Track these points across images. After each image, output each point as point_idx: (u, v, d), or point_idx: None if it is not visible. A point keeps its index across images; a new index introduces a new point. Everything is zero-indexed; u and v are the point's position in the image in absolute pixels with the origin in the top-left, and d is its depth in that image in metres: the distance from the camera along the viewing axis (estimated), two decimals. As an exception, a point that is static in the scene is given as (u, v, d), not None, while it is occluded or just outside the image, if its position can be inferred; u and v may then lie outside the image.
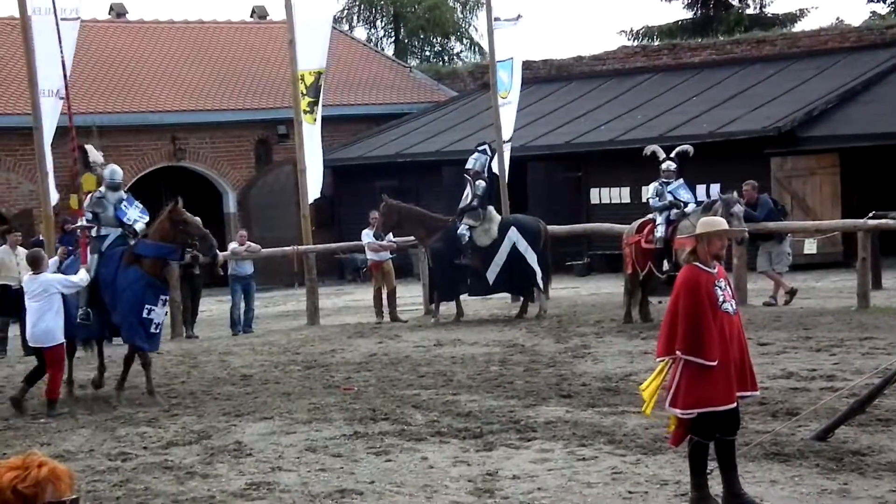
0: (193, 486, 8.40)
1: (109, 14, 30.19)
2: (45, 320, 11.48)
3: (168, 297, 12.45)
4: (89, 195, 12.49)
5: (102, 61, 26.76)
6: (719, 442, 7.21)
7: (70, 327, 11.79)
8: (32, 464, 3.20)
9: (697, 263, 7.26)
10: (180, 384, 12.84)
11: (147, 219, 12.35)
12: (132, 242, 12.08)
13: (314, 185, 19.19)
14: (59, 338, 11.53)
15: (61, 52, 13.96)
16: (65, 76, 13.88)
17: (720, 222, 7.72)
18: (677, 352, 7.10)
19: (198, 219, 12.43)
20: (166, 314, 12.42)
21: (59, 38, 14.01)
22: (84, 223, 12.28)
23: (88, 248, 12.09)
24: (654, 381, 7.37)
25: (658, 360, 7.38)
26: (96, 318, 12.03)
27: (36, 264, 11.78)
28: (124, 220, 12.11)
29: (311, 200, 19.13)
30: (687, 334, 7.08)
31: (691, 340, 7.05)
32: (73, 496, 3.24)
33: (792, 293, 16.78)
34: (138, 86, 27.18)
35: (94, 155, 12.85)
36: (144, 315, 11.70)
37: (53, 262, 12.28)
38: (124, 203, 12.20)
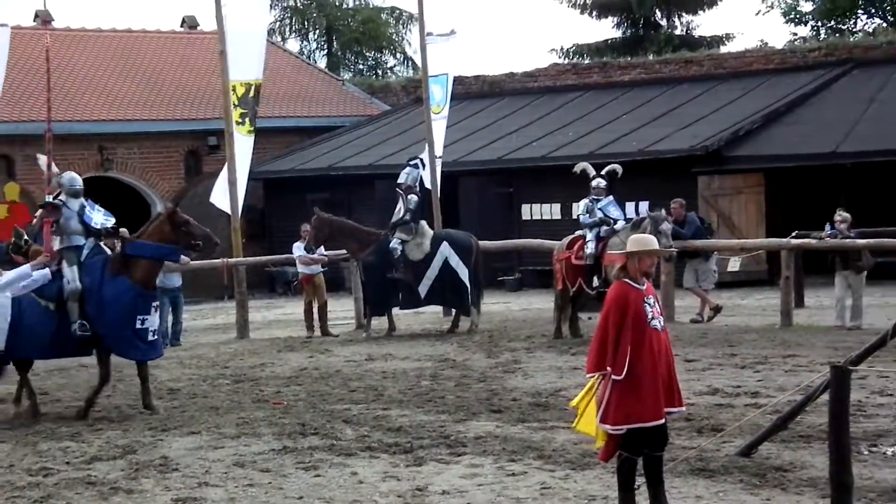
0: (118, 501, 8.28)
1: (35, 21, 29.71)
2: None
3: (159, 303, 12.07)
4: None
5: (27, 68, 26.24)
6: (647, 457, 7.27)
7: (38, 345, 11.51)
8: None
9: (627, 280, 7.33)
10: (105, 398, 12.58)
11: (113, 220, 12.10)
12: (108, 248, 11.80)
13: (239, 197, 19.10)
14: None
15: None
16: (48, 87, 13.06)
17: (651, 241, 7.79)
18: (608, 368, 7.14)
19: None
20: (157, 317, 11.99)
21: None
22: (50, 200, 11.75)
23: (65, 261, 11.59)
24: (584, 397, 7.40)
25: (588, 375, 7.40)
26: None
27: None
28: (91, 224, 11.76)
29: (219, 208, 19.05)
30: (612, 349, 7.14)
31: (611, 354, 7.12)
32: None
33: (717, 310, 17.03)
34: (64, 94, 26.77)
35: (43, 162, 12.28)
36: (138, 326, 11.40)
37: (41, 273, 11.51)
38: (87, 209, 11.87)
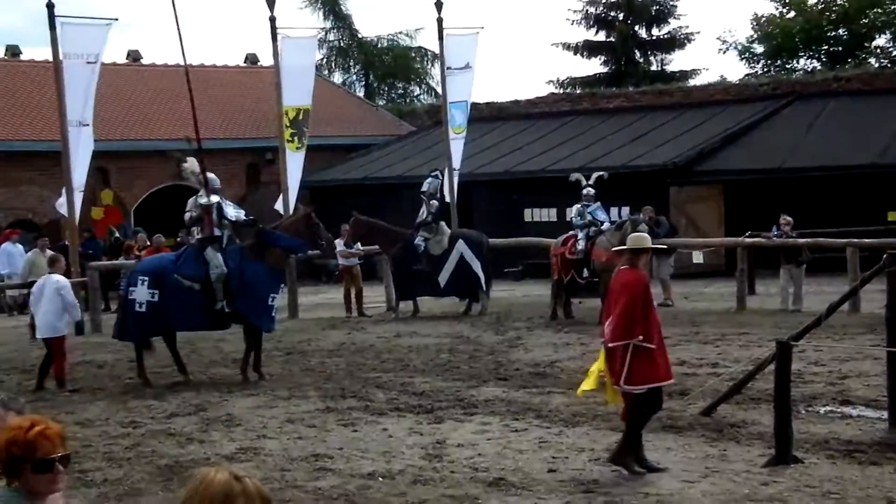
0: (192, 449, 8.35)
1: (127, 59, 29.89)
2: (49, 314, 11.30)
3: (284, 286, 11.95)
4: (191, 199, 11.89)
5: (122, 97, 26.42)
6: (641, 414, 7.19)
7: (186, 318, 11.46)
8: (26, 426, 3.11)
9: (639, 267, 7.30)
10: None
11: (244, 213, 11.93)
12: (251, 240, 11.61)
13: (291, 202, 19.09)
14: (62, 331, 11.39)
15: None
16: (195, 120, 12.57)
17: (648, 239, 7.67)
18: (640, 337, 6.98)
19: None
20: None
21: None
22: (208, 201, 11.59)
23: (210, 249, 11.47)
24: (599, 364, 7.18)
25: (612, 345, 7.08)
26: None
27: (51, 264, 11.66)
28: (230, 217, 11.64)
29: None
30: (641, 322, 7.04)
31: (640, 326, 7.02)
32: (63, 453, 3.12)
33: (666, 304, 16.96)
34: (150, 118, 26.89)
35: (193, 165, 12.14)
36: (270, 303, 11.38)
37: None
38: (224, 204, 11.73)
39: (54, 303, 11.34)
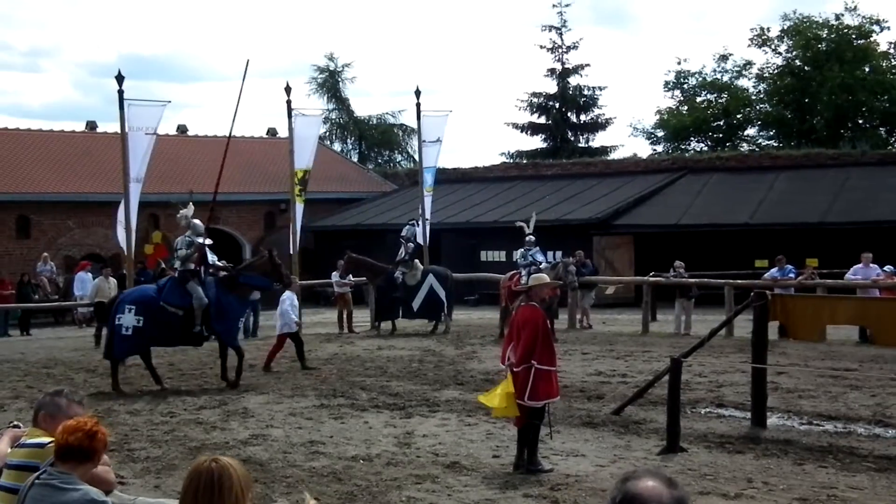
0: (215, 435, 8.29)
1: (177, 131, 29.98)
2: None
3: (249, 311, 12.00)
4: (180, 238, 11.69)
5: (171, 161, 26.40)
6: (532, 426, 6.86)
7: (169, 337, 11.17)
8: (89, 422, 3.26)
9: (535, 304, 7.09)
10: (209, 369, 12.59)
11: (216, 258, 11.74)
12: (226, 274, 11.48)
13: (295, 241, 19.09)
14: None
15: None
16: (218, 183, 12.26)
17: (545, 277, 7.47)
18: (533, 361, 6.72)
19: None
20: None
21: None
22: (203, 242, 11.45)
23: (192, 283, 11.20)
24: (508, 386, 6.78)
25: (518, 368, 6.78)
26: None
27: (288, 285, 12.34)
28: (210, 261, 11.50)
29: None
30: (547, 350, 6.83)
31: (539, 352, 6.81)
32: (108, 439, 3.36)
33: (588, 326, 17.05)
34: (192, 176, 26.80)
35: (188, 211, 11.83)
36: (239, 325, 11.35)
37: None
38: (207, 248, 11.56)
39: (288, 310, 12.19)
